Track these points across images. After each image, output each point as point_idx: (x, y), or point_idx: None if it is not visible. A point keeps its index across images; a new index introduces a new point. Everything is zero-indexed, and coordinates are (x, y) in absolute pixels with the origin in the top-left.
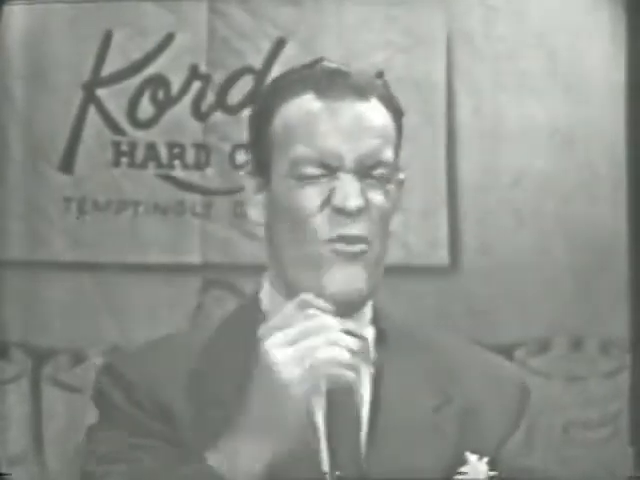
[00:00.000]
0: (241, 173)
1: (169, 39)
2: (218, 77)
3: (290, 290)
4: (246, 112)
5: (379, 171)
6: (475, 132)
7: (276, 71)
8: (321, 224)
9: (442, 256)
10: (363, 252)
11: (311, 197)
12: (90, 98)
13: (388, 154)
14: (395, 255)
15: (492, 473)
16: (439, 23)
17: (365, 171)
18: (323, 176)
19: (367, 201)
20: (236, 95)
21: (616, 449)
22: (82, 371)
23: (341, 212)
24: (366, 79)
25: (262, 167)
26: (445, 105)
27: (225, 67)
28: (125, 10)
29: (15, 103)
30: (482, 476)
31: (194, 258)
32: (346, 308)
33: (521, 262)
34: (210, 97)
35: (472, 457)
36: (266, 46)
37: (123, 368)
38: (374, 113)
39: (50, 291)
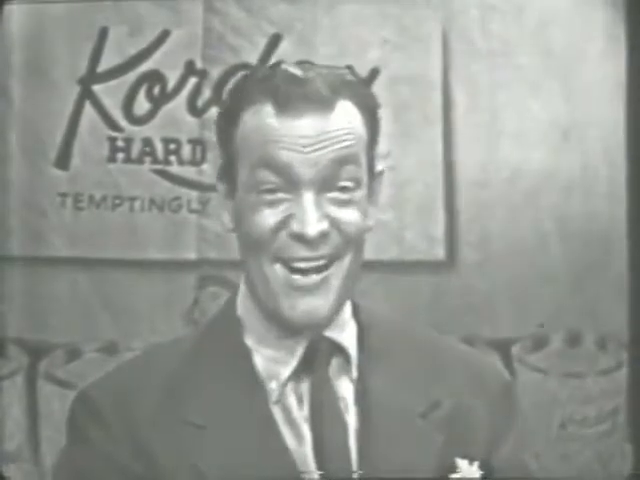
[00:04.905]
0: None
1: (165, 35)
2: (214, 73)
3: (257, 299)
4: None
5: (345, 183)
6: (472, 128)
7: None
8: (277, 249)
9: (439, 251)
10: (324, 280)
11: (267, 219)
12: (86, 94)
13: (356, 161)
14: (391, 251)
15: (482, 472)
16: (435, 20)
17: (328, 184)
18: (282, 191)
19: (332, 221)
20: None
21: (614, 446)
22: (77, 367)
23: (300, 239)
24: (331, 82)
25: (229, 174)
26: (441, 102)
27: (221, 63)
28: (121, 6)
29: (11, 99)
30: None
31: (190, 254)
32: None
33: (518, 257)
34: (206, 93)
35: (462, 462)
36: (262, 42)
37: (97, 397)
38: (338, 121)
39: (46, 287)
